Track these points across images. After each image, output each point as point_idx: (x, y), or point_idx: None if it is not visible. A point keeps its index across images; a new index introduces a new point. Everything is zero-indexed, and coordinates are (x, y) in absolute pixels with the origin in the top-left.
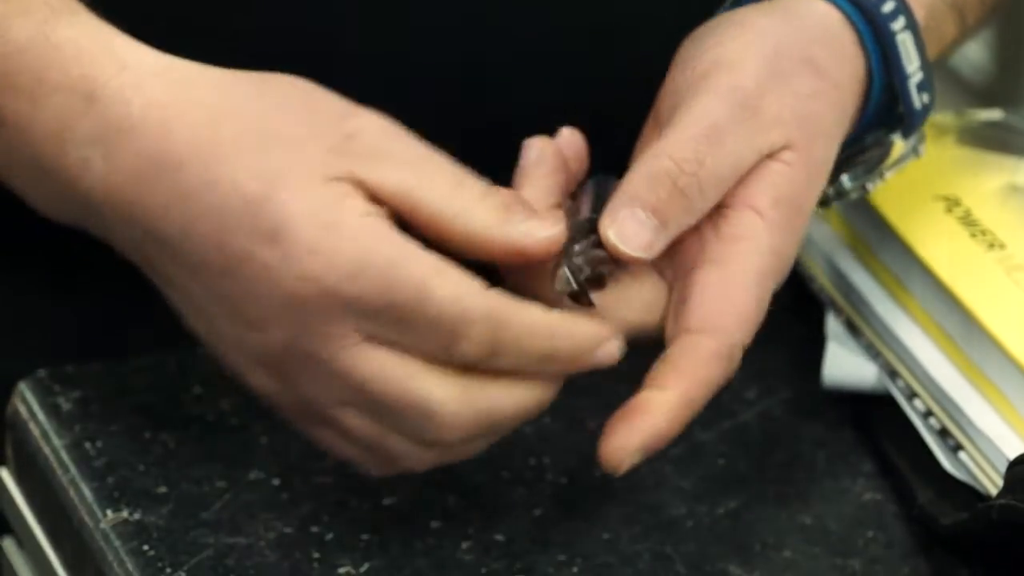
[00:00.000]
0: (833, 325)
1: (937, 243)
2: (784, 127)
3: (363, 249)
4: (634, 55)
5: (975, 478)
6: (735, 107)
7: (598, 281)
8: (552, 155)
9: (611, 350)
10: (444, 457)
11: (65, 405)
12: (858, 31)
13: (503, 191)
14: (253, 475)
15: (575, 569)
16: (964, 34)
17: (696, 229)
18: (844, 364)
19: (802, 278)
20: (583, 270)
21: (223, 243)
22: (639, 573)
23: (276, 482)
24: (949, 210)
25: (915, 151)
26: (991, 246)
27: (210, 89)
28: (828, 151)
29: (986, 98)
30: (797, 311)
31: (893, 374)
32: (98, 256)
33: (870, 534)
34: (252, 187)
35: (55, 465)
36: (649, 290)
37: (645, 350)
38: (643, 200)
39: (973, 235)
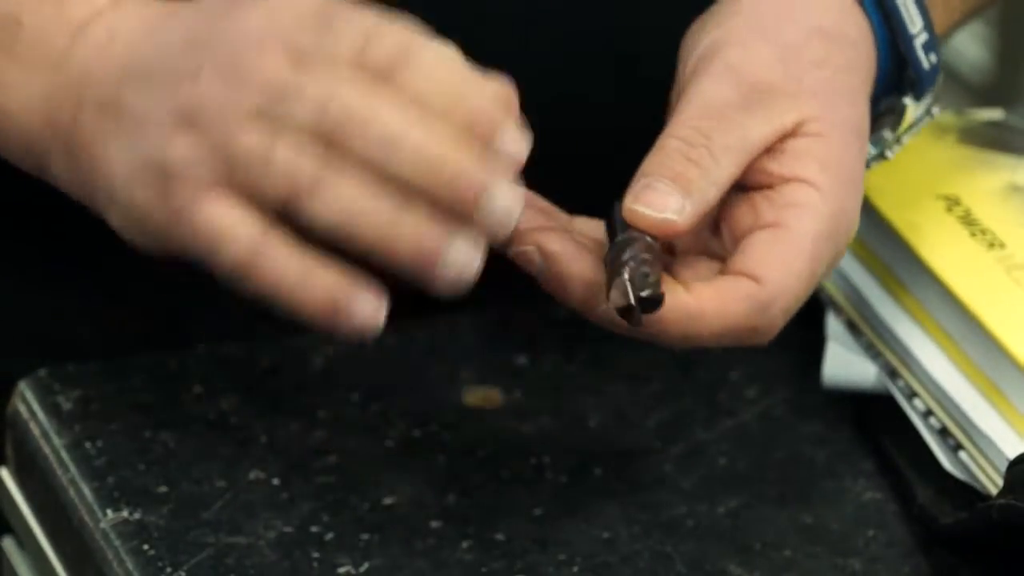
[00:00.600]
0: (833, 325)
1: (937, 242)
2: (798, 100)
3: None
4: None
5: (975, 477)
6: (736, 84)
7: (654, 302)
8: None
9: (515, 140)
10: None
11: (65, 404)
12: None
13: None
14: (253, 475)
15: (575, 568)
16: (978, 4)
17: (750, 205)
18: (844, 364)
19: None
20: (637, 284)
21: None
22: (639, 572)
23: (276, 482)
24: (949, 209)
25: (929, 113)
26: (991, 245)
27: None
28: (856, 109)
29: (986, 97)
30: (797, 311)
31: (893, 374)
32: (99, 256)
33: (870, 533)
34: None
35: (55, 465)
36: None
37: (650, 350)
38: (657, 175)
39: (973, 234)
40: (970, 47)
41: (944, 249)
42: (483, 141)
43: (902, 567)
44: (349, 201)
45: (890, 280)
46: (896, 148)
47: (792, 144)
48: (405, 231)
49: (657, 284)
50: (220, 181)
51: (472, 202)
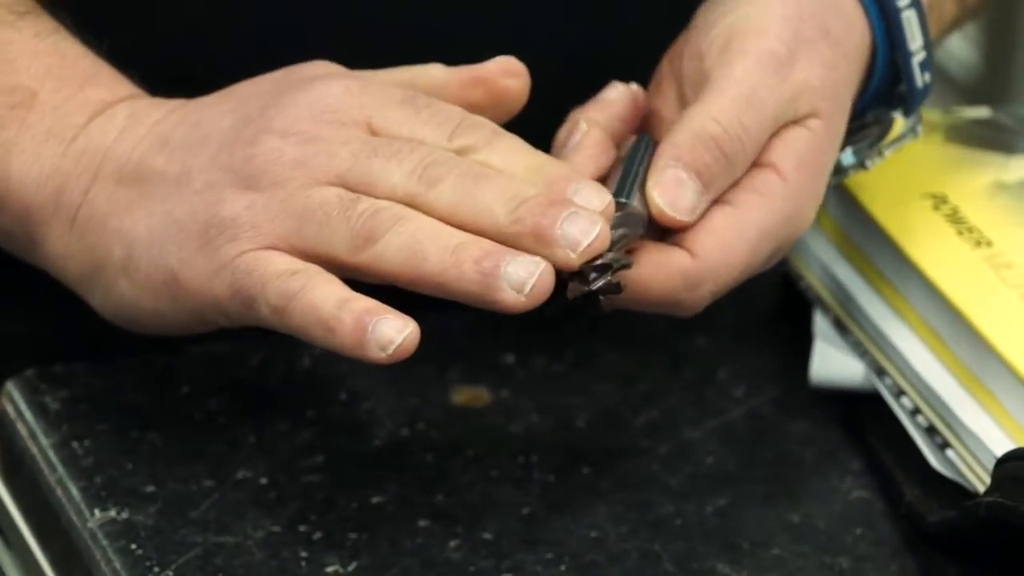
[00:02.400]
0: (821, 323)
1: (924, 241)
2: (812, 94)
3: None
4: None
5: (963, 475)
6: (770, 72)
7: (615, 290)
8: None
9: (593, 195)
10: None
11: (53, 405)
12: (864, 5)
13: None
14: (241, 474)
15: (563, 567)
16: (964, 15)
17: None
18: (832, 362)
19: (790, 277)
20: (599, 280)
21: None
22: (627, 571)
23: (264, 481)
24: (936, 208)
25: (913, 131)
26: (978, 244)
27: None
28: (844, 120)
29: (974, 96)
30: (785, 310)
31: (881, 372)
32: None
33: (858, 532)
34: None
35: (43, 465)
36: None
37: (638, 349)
38: (687, 162)
39: (960, 233)
40: (958, 46)
41: (931, 247)
42: (564, 198)
43: (890, 565)
44: (417, 232)
45: (877, 278)
46: (877, 160)
47: (785, 131)
48: (468, 252)
49: (623, 265)
50: (278, 238)
51: (550, 229)
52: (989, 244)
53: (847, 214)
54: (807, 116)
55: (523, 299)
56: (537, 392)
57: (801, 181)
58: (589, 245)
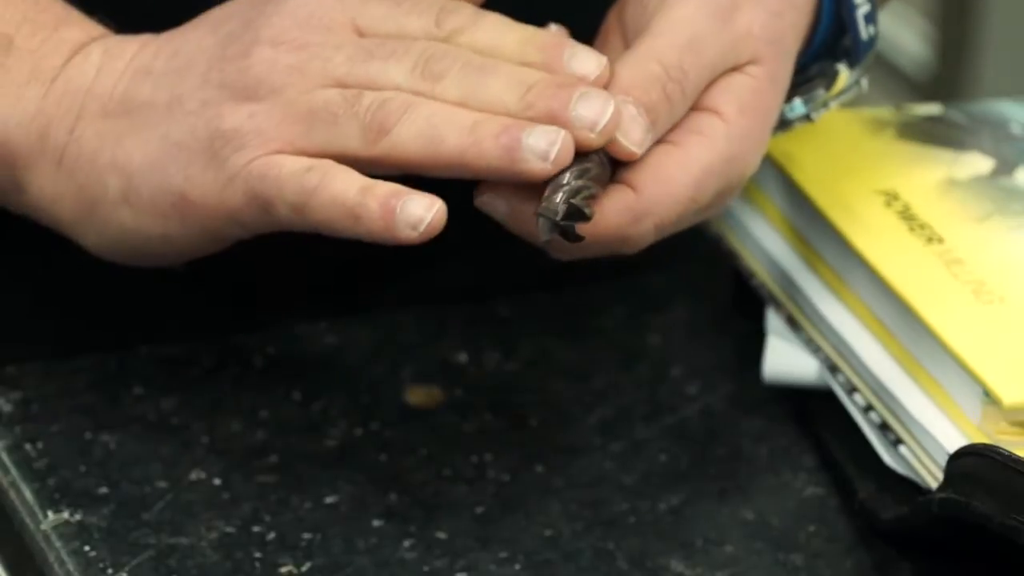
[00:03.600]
0: (773, 320)
1: (876, 238)
2: (754, 42)
3: None
4: None
5: (915, 472)
6: (712, 19)
7: (581, 215)
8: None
9: (588, 58)
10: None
11: (5, 407)
12: None
13: None
14: (194, 475)
15: (517, 567)
16: None
17: None
18: (784, 359)
19: (742, 274)
20: (561, 208)
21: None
22: (581, 570)
23: (217, 482)
24: (888, 204)
25: (859, 84)
26: (929, 240)
27: None
28: (789, 69)
29: (925, 92)
30: (737, 306)
31: (833, 369)
32: (39, 257)
33: (812, 529)
34: None
35: None
36: None
37: (591, 347)
38: (636, 96)
39: (912, 229)
40: (910, 42)
41: (883, 244)
42: (561, 65)
43: (844, 562)
44: (432, 115)
45: (829, 275)
46: (822, 111)
47: (726, 77)
48: (487, 127)
49: (591, 194)
50: (288, 142)
51: (563, 110)
52: (940, 240)
53: (799, 211)
54: (749, 62)
55: (548, 166)
56: (490, 391)
57: (744, 125)
58: (606, 126)
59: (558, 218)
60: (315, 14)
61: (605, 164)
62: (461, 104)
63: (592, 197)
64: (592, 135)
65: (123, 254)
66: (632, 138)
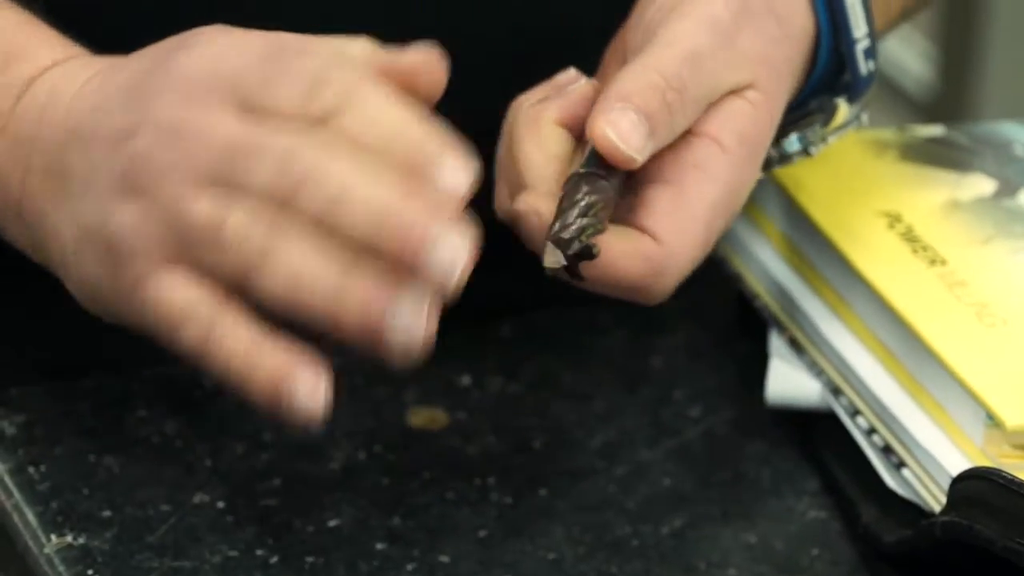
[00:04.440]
0: (776, 343)
1: (879, 260)
2: (753, 65)
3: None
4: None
5: (919, 495)
6: (713, 35)
7: (589, 254)
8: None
9: (456, 172)
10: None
11: (9, 429)
12: None
13: None
14: (198, 498)
15: None
16: (909, 9)
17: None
18: (787, 382)
19: (744, 296)
20: (572, 244)
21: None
22: None
23: (221, 505)
24: (891, 226)
25: (858, 119)
26: (933, 262)
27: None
28: (785, 99)
29: (928, 114)
30: (740, 329)
31: (836, 391)
32: (41, 279)
33: (815, 552)
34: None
35: None
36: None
37: (593, 369)
38: (637, 104)
39: (915, 251)
40: (913, 63)
41: (886, 266)
42: (424, 180)
43: None
44: (298, 269)
45: (832, 297)
46: (821, 146)
47: (725, 102)
48: (351, 297)
49: (597, 231)
50: (172, 255)
51: (418, 253)
52: (943, 262)
53: (801, 233)
54: (747, 87)
55: (407, 349)
56: (493, 414)
57: (743, 154)
58: (461, 272)
59: (566, 255)
60: (196, 91)
61: (613, 188)
62: (319, 224)
63: (599, 231)
64: (447, 285)
65: (92, 310)
66: (633, 144)
